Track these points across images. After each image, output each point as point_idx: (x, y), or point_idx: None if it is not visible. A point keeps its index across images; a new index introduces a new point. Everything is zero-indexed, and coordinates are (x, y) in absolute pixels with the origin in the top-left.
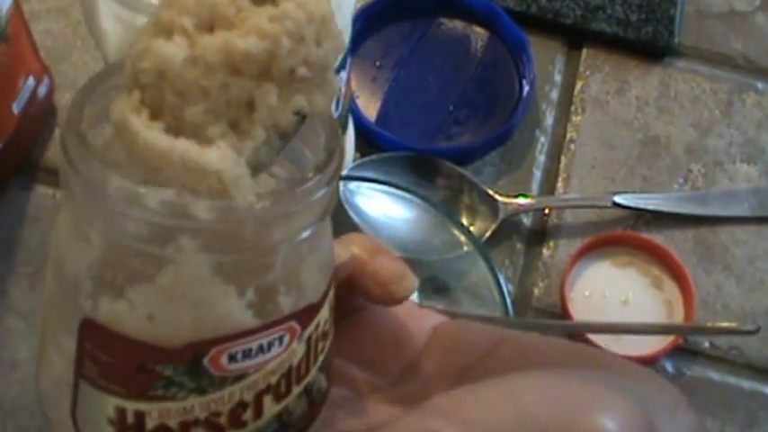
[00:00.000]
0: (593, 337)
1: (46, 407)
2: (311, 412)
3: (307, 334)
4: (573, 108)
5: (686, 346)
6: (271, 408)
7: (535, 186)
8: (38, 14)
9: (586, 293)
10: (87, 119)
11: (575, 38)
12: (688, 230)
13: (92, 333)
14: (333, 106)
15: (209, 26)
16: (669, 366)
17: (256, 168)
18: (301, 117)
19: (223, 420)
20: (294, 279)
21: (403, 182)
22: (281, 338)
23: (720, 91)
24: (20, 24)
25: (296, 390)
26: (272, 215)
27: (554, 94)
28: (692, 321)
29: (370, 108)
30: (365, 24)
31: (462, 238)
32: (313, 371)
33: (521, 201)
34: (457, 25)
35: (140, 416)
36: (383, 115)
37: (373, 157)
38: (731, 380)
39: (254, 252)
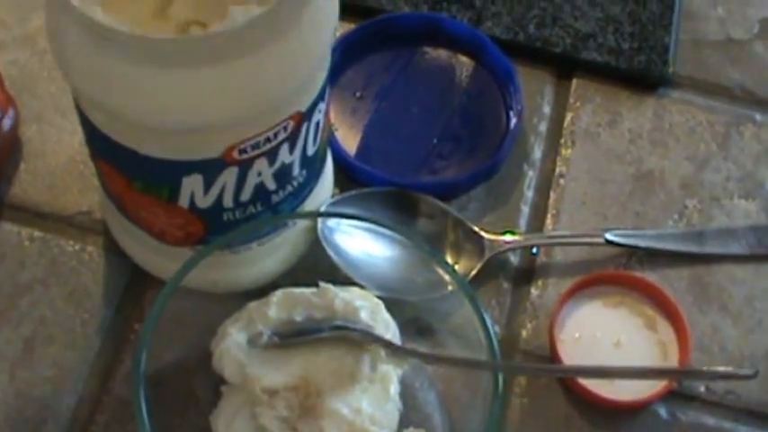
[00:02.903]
0: (583, 381)
1: None
2: None
3: None
4: (562, 141)
5: (681, 390)
6: None
7: (523, 223)
8: (3, 43)
9: (576, 335)
10: None
11: (564, 67)
12: (683, 269)
13: None
14: (311, 141)
15: None
16: (663, 411)
17: None
18: None
19: None
20: None
21: (384, 218)
22: None
23: (717, 123)
24: None
25: None
26: None
27: (543, 127)
28: (687, 364)
29: (349, 141)
30: (345, 54)
31: (447, 277)
32: None
33: (508, 238)
34: (441, 54)
35: None
36: (364, 149)
37: (353, 192)
38: (727, 425)
39: None
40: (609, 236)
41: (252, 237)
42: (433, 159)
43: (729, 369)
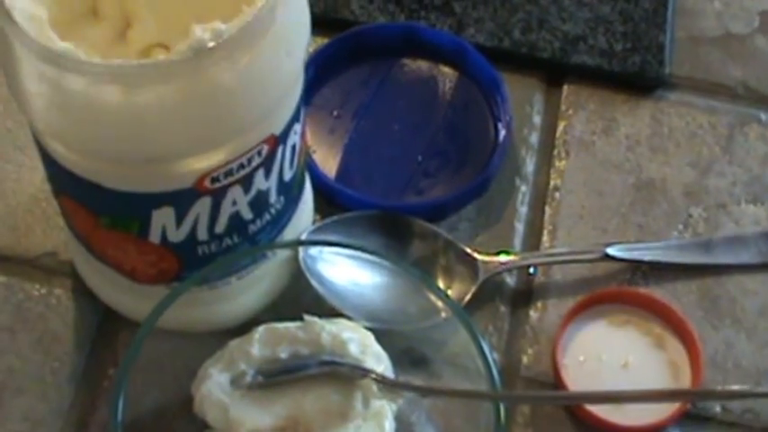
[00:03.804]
0: (590, 407)
1: None
2: None
3: None
4: (556, 152)
5: (695, 411)
6: None
7: (518, 241)
8: None
9: (581, 359)
10: None
11: (554, 73)
12: (691, 282)
13: None
14: (287, 165)
15: None
16: None
17: None
18: None
19: None
20: None
21: (370, 244)
22: None
23: (719, 125)
24: None
25: None
26: None
27: (534, 138)
28: (700, 384)
29: (329, 163)
30: (319, 70)
31: (439, 303)
32: None
33: (502, 258)
34: (422, 66)
35: None
36: (344, 170)
37: (335, 217)
38: None
39: None
40: (610, 251)
41: (230, 270)
42: (418, 178)
43: (746, 387)
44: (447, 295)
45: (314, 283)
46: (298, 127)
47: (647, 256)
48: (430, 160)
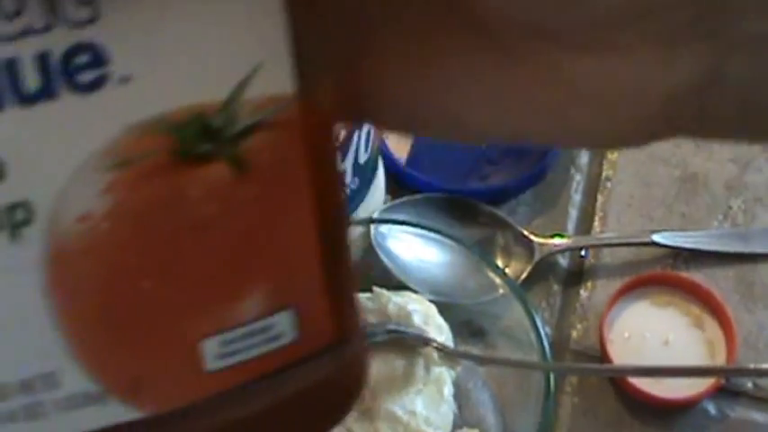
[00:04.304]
0: (633, 380)
1: None
2: None
3: None
4: None
5: (729, 386)
6: None
7: (571, 226)
8: None
9: (626, 335)
10: None
11: None
12: (729, 268)
13: None
14: (362, 148)
15: None
16: (711, 408)
17: None
18: None
19: None
20: None
21: (435, 224)
22: None
23: None
24: None
25: None
26: None
27: None
28: (734, 362)
29: (400, 149)
30: None
31: (497, 280)
32: None
33: (556, 241)
34: None
35: None
36: (414, 156)
37: (404, 199)
38: None
39: None
40: (655, 237)
41: None
42: (482, 165)
43: None
44: (505, 273)
45: (383, 257)
46: None
47: (688, 243)
48: (493, 149)
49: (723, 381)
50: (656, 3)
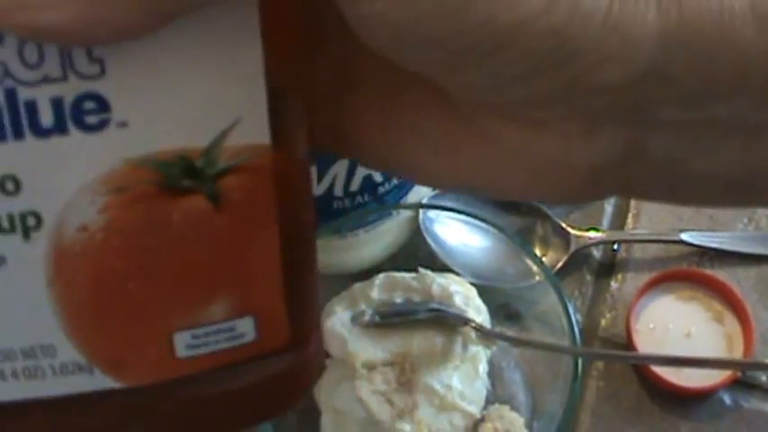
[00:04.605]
0: (655, 368)
1: None
2: None
3: None
4: None
5: (744, 379)
6: None
7: (606, 221)
8: None
9: (651, 326)
10: None
11: None
12: (750, 269)
13: None
14: None
15: None
16: (727, 398)
17: None
18: None
19: None
20: None
21: (480, 212)
22: None
23: None
24: None
25: None
26: None
27: None
28: (750, 356)
29: None
30: None
31: (535, 268)
32: None
33: (592, 234)
34: None
35: None
36: None
37: None
38: None
39: None
40: (684, 236)
41: (359, 224)
42: None
43: None
44: (542, 261)
45: (429, 241)
46: None
47: (714, 243)
48: None
49: (739, 373)
50: (576, 89)
